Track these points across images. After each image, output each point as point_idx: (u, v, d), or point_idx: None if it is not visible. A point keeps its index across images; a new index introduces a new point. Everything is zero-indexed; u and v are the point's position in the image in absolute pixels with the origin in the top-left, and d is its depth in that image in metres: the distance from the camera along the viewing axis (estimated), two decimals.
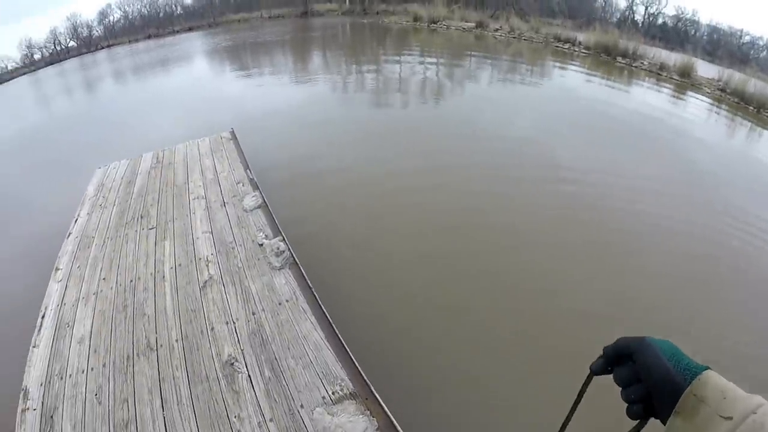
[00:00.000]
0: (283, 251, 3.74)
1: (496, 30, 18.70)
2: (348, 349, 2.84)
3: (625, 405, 0.61)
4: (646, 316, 4.06)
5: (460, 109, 9.92)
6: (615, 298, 4.26)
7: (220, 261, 3.86)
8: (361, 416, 2.51)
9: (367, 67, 13.70)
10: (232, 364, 2.89)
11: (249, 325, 3.16)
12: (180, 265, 3.93)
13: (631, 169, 6.95)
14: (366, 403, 2.54)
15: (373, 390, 2.61)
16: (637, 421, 0.61)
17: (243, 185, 5.07)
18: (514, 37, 17.63)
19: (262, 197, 4.69)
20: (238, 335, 3.09)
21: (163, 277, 3.83)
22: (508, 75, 12.82)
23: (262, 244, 3.93)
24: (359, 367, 2.73)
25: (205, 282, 3.64)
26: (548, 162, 6.94)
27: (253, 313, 3.25)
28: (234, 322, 3.20)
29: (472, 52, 15.79)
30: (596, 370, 0.67)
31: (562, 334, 3.81)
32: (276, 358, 2.88)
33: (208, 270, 3.77)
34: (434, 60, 14.44)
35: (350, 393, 2.61)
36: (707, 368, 0.56)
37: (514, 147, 7.42)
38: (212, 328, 3.18)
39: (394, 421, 2.44)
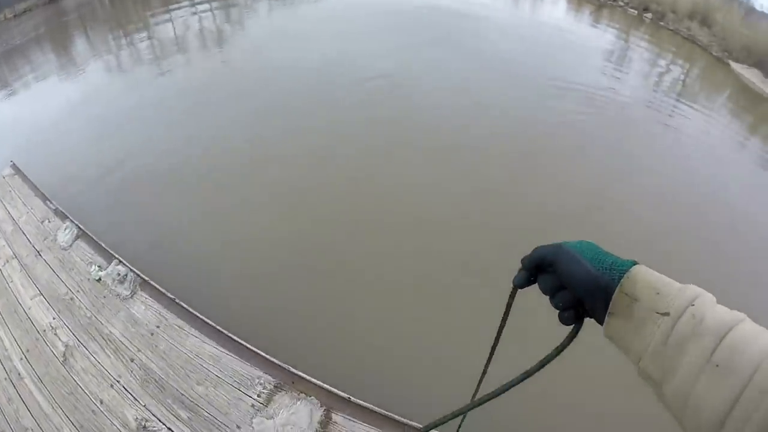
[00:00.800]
0: (126, 274, 3.13)
1: None
2: (246, 343, 2.52)
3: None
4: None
5: (248, 50, 9.02)
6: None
7: (67, 321, 3.19)
8: (298, 403, 2.34)
9: (138, 36, 11.01)
10: (145, 426, 2.51)
11: (134, 374, 2.72)
12: (28, 350, 3.21)
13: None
14: (295, 387, 2.34)
15: (294, 370, 2.37)
16: (572, 326, 0.60)
17: (50, 221, 4.05)
18: None
19: (77, 225, 3.79)
20: (131, 391, 2.65)
21: (19, 375, 3.13)
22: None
23: (99, 279, 3.24)
24: (267, 356, 2.44)
25: (64, 354, 3.01)
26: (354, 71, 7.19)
27: (132, 359, 2.78)
28: (118, 381, 2.73)
29: None
30: (519, 284, 0.65)
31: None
32: (183, 393, 2.54)
33: (60, 339, 3.12)
34: (206, 6, 12.28)
35: (275, 386, 2.40)
36: (634, 263, 0.54)
37: (313, 68, 7.47)
38: (101, 401, 2.72)
39: (332, 389, 2.27)
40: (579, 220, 4.83)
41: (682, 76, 11.03)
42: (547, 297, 0.61)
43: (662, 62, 11.46)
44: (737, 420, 0.40)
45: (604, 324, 0.54)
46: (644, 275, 0.52)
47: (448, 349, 3.23)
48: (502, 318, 0.74)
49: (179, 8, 12.22)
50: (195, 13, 11.84)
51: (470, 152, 5.73)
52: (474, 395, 0.84)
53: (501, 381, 0.71)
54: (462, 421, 0.99)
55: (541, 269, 0.62)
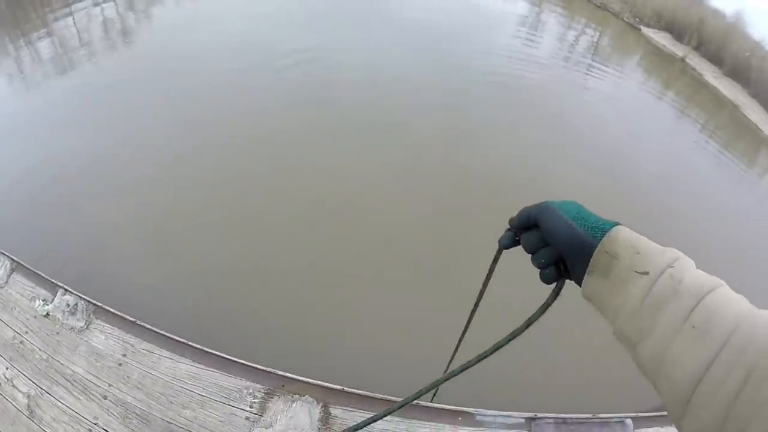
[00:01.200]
0: (76, 304, 2.80)
1: None
2: (225, 355, 2.29)
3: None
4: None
5: (156, 40, 8.17)
6: None
7: (21, 368, 2.86)
8: (294, 405, 2.19)
9: (36, 35, 9.57)
10: None
11: (112, 412, 2.47)
12: None
13: None
14: (287, 390, 2.16)
15: (282, 373, 2.18)
16: (554, 284, 0.60)
17: None
18: None
19: (8, 257, 3.34)
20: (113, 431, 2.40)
21: None
22: None
23: (47, 314, 2.89)
24: (250, 363, 2.23)
25: (28, 406, 2.71)
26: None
27: (105, 397, 2.52)
28: (95, 423, 2.48)
29: None
30: (504, 244, 0.66)
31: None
32: (170, 422, 2.32)
33: (19, 390, 2.79)
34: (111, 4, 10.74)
35: (266, 393, 2.23)
36: (617, 224, 0.54)
37: (226, 51, 7.09)
38: None
39: (325, 384, 2.10)
40: (513, 183, 5.07)
41: (596, 41, 11.49)
42: (530, 257, 0.62)
43: (576, 29, 11.80)
44: (711, 382, 0.40)
45: (583, 283, 0.55)
46: (625, 235, 0.52)
47: (424, 328, 3.22)
48: (485, 279, 0.73)
49: (80, 1, 10.93)
50: (97, 4, 10.54)
51: (397, 129, 5.72)
52: (449, 363, 0.83)
53: (477, 350, 0.70)
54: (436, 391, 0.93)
55: (526, 228, 0.62)
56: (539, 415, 2.75)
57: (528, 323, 0.62)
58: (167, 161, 4.74)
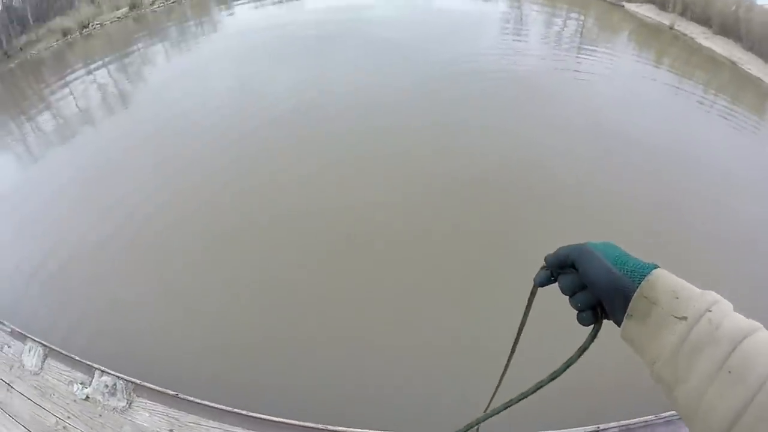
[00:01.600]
0: (115, 384, 2.75)
1: (152, 3, 15.91)
2: (274, 418, 2.22)
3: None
4: None
5: (154, 102, 8.25)
6: None
7: None
8: None
9: (36, 112, 9.66)
10: None
11: None
12: None
13: None
14: None
15: (334, 428, 2.10)
16: (592, 326, 0.59)
17: (9, 346, 3.57)
18: (173, 2, 15.67)
19: (41, 344, 3.33)
20: None
21: None
22: (181, 41, 11.72)
23: (87, 397, 2.86)
24: (304, 423, 2.16)
25: None
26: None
27: None
28: None
29: (138, 38, 12.94)
30: (540, 282, 0.65)
31: None
32: None
33: None
34: (104, 71, 10.95)
35: None
36: (655, 267, 0.53)
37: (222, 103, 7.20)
38: None
39: None
40: (523, 174, 5.20)
41: (581, 26, 11.46)
42: (567, 297, 0.61)
43: (559, 17, 11.77)
44: (745, 427, 0.41)
45: (622, 327, 0.54)
46: (664, 279, 0.51)
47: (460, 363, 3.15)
48: (523, 316, 0.72)
49: (75, 78, 11.03)
50: (90, 72, 10.73)
51: (404, 137, 5.80)
52: (491, 400, 0.81)
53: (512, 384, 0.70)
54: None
55: (562, 268, 0.62)
56: (602, 427, 2.65)
57: (567, 365, 0.62)
58: (180, 229, 4.72)
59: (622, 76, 8.61)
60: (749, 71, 9.42)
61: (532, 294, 0.69)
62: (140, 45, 12.07)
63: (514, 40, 9.65)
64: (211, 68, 8.96)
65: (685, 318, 0.48)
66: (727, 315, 0.46)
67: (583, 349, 0.61)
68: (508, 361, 0.78)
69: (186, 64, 9.96)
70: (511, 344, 0.75)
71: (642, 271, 0.53)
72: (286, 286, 4.01)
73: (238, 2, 13.64)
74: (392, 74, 7.64)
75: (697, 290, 0.50)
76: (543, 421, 2.52)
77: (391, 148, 5.65)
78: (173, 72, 9.64)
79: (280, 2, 12.90)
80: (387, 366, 3.20)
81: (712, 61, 9.99)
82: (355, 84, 7.33)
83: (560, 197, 4.90)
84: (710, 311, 0.47)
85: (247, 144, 5.99)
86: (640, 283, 0.52)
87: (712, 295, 0.49)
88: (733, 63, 9.72)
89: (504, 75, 7.67)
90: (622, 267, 0.55)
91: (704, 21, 10.99)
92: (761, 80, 9.11)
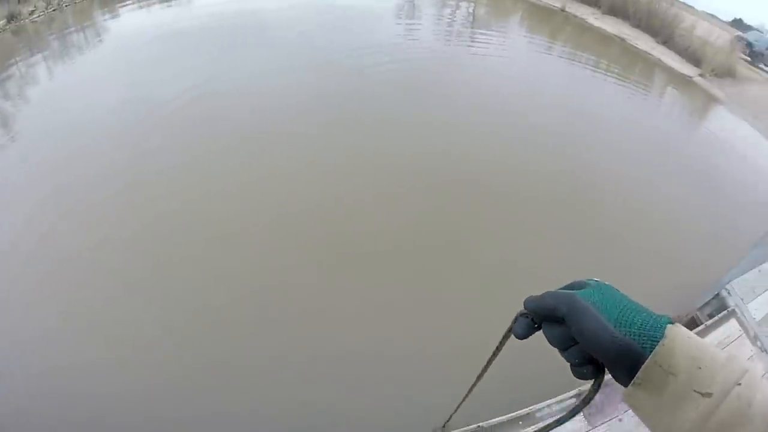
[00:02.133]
0: None
1: (32, 13, 13.90)
2: None
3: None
4: None
5: (41, 120, 6.94)
6: None
7: None
8: None
9: None
10: None
11: None
12: None
13: None
14: None
15: None
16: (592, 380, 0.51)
17: None
18: (54, 10, 13.84)
19: None
20: None
21: None
22: (72, 48, 10.64)
23: None
24: None
25: None
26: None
27: None
28: None
29: (17, 56, 11.05)
30: (522, 334, 0.55)
31: None
32: None
33: None
34: None
35: None
36: (667, 323, 0.45)
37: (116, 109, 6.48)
38: None
39: None
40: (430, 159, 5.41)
41: (472, 12, 11.88)
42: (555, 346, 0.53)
43: (450, 4, 12.14)
44: None
45: (627, 393, 0.46)
46: (682, 344, 0.43)
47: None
48: (488, 360, 0.65)
49: None
50: None
51: (305, 139, 5.70)
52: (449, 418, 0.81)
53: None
54: None
55: (548, 319, 0.53)
56: (582, 388, 2.67)
57: (573, 413, 0.56)
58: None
59: (518, 59, 9.22)
60: (637, 46, 10.48)
61: (502, 342, 0.61)
62: (19, 63, 10.82)
63: (409, 32, 9.74)
64: (102, 78, 8.07)
65: (710, 394, 0.41)
66: (759, 389, 0.41)
67: (587, 400, 0.55)
68: (471, 388, 0.74)
69: (74, 76, 8.95)
70: (479, 370, 0.68)
71: (653, 334, 0.45)
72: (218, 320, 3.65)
73: (123, 4, 12.56)
74: (293, 68, 7.44)
75: (721, 356, 0.43)
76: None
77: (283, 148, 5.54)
78: (59, 86, 8.63)
79: (169, 4, 12.00)
80: (373, 373, 3.18)
81: (602, 39, 11.01)
82: (259, 86, 7.01)
83: (478, 181, 5.26)
84: (740, 384, 0.41)
85: (141, 162, 5.32)
86: (651, 349, 0.44)
87: (740, 362, 0.43)
88: (623, 39, 10.72)
89: (402, 60, 7.81)
90: (627, 328, 0.46)
91: (593, 2, 11.95)
92: (649, 54, 10.20)
